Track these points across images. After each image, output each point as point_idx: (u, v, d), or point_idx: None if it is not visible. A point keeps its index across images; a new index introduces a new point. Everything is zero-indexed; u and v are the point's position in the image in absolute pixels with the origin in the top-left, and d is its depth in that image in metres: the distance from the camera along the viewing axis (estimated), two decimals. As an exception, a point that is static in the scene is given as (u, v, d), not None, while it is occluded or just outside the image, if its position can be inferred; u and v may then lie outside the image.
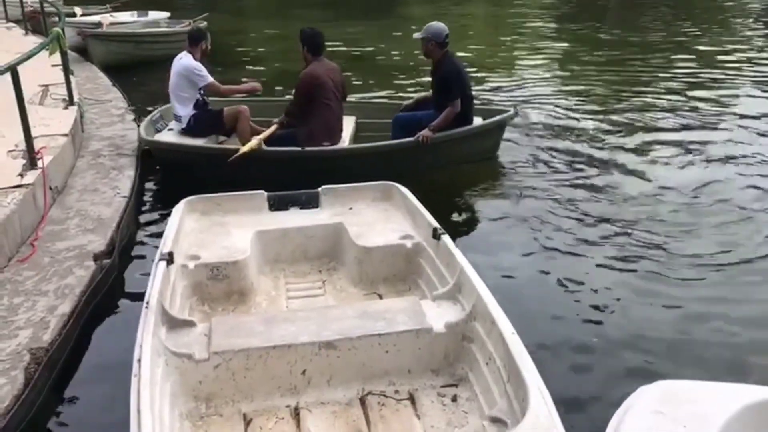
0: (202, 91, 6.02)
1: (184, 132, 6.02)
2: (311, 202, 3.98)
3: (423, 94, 6.59)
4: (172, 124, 6.24)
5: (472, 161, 6.19)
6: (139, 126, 6.32)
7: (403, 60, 11.49)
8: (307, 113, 5.70)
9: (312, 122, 5.69)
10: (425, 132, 5.77)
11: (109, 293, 4.12)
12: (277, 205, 3.95)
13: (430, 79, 6.31)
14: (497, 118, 6.30)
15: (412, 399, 2.70)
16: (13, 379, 3.02)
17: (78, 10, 12.87)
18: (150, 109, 7.07)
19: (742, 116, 7.93)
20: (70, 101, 6.67)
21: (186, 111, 5.97)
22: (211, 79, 5.98)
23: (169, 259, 3.15)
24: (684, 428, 1.94)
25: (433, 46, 5.96)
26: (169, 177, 6.04)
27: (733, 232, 4.93)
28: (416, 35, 6.04)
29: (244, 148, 5.49)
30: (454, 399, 2.68)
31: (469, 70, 7.60)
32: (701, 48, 12.56)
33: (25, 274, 3.96)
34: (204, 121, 6.02)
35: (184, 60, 5.97)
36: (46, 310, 3.59)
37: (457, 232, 4.97)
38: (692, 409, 2.02)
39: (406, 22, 14.98)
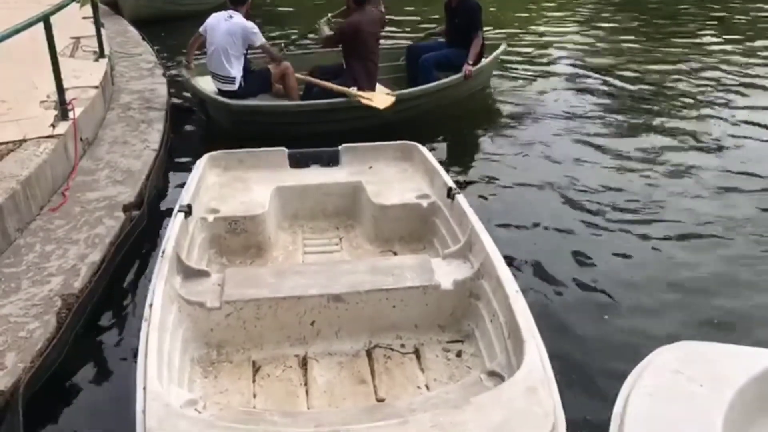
0: (247, 52, 5.87)
1: (235, 94, 5.75)
2: (331, 160, 4.04)
3: (434, 30, 7.39)
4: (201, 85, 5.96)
5: (472, 92, 6.87)
6: (199, 89, 5.87)
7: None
8: (350, 62, 5.90)
9: (357, 71, 5.86)
10: (467, 66, 6.24)
11: (137, 244, 4.25)
12: (297, 162, 4.02)
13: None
14: (498, 51, 7.00)
15: (417, 353, 2.80)
16: (45, 323, 3.18)
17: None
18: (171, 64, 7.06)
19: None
20: (101, 54, 6.73)
21: (239, 72, 5.75)
22: (263, 38, 5.89)
23: (188, 211, 3.23)
24: (701, 388, 1.96)
25: None
26: (216, 132, 5.94)
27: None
28: None
29: (381, 102, 5.66)
30: (459, 354, 2.77)
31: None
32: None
33: (56, 222, 4.11)
34: (255, 81, 5.94)
35: (237, 19, 5.72)
36: (76, 258, 3.74)
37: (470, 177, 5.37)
38: (710, 370, 2.03)
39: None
